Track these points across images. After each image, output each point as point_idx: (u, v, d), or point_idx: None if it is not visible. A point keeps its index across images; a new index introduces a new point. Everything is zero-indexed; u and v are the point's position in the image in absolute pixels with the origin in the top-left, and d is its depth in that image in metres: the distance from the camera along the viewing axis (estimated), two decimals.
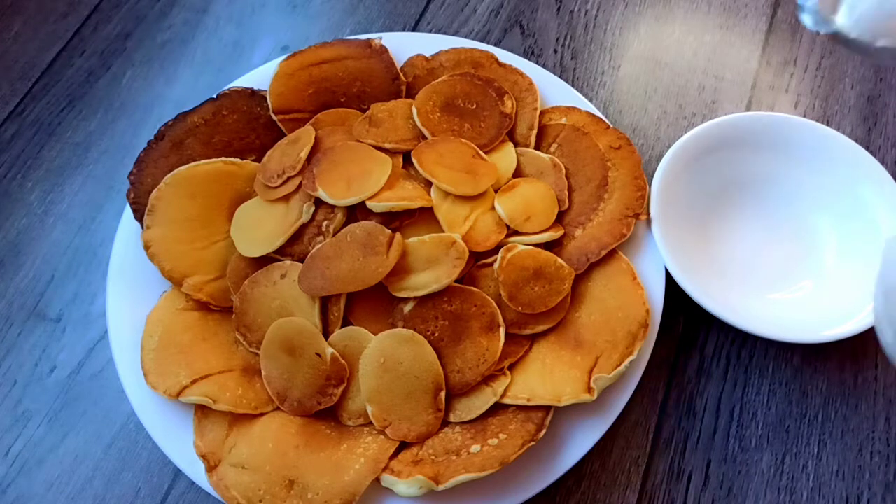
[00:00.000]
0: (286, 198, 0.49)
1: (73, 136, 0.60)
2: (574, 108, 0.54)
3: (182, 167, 0.49)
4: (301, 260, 0.47)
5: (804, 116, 0.58)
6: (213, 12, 0.66)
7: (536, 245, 0.48)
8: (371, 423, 0.44)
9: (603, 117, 0.53)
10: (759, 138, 0.52)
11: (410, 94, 0.55)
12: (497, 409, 0.44)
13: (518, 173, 0.52)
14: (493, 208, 0.49)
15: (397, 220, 0.48)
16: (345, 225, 0.48)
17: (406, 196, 0.48)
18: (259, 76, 0.55)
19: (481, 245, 0.48)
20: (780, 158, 0.52)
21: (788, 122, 0.52)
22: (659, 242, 0.48)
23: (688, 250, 0.52)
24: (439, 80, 0.54)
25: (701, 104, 0.61)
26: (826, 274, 0.51)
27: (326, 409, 0.45)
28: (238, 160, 0.51)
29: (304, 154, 0.49)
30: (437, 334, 0.45)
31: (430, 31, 0.64)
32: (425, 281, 0.45)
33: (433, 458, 0.42)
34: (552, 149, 0.53)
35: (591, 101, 0.60)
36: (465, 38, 0.60)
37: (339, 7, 0.66)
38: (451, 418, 0.44)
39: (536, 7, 0.66)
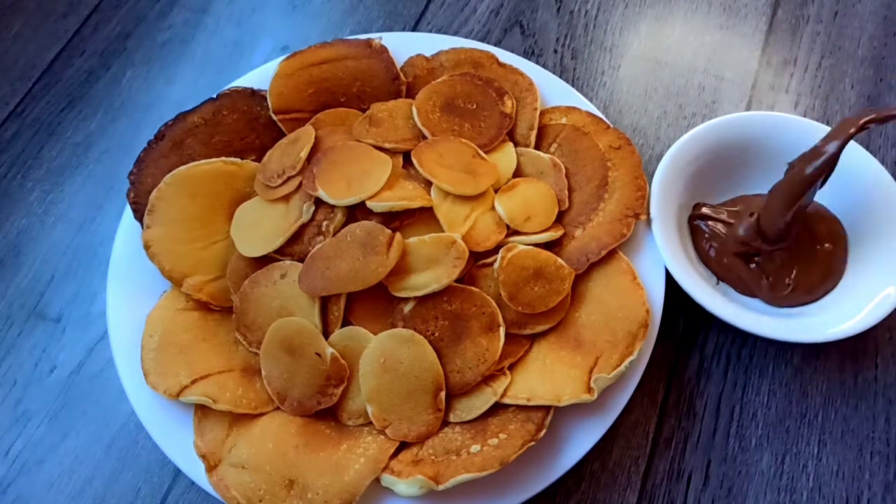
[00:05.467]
0: (286, 198, 0.49)
1: (73, 136, 0.60)
2: (574, 108, 0.54)
3: (182, 167, 0.49)
4: (301, 260, 0.47)
5: (804, 116, 0.58)
6: (213, 12, 0.66)
7: (536, 245, 0.48)
8: (371, 423, 0.44)
9: (603, 117, 0.53)
10: (759, 138, 0.52)
11: (410, 94, 0.55)
12: (497, 409, 0.44)
13: (518, 173, 0.52)
14: (493, 208, 0.49)
15: (397, 220, 0.48)
16: (345, 225, 0.48)
17: (406, 196, 0.48)
18: (259, 76, 0.55)
19: (481, 245, 0.48)
20: (780, 158, 0.52)
21: (788, 122, 0.52)
22: (659, 242, 0.48)
23: (688, 250, 0.52)
24: (439, 80, 0.54)
25: (701, 104, 0.61)
26: None
27: (326, 409, 0.45)
28: (238, 160, 0.51)
29: (304, 154, 0.49)
30: (437, 334, 0.45)
31: (430, 31, 0.64)
32: (425, 281, 0.45)
33: (433, 458, 0.42)
34: (552, 149, 0.53)
35: (591, 101, 0.60)
36: (465, 38, 0.60)
37: (339, 7, 0.66)
38: (451, 418, 0.44)
39: (536, 7, 0.66)
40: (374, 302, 0.47)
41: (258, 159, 0.52)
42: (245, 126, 0.53)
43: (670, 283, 0.48)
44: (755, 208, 0.51)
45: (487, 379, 0.45)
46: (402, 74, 0.55)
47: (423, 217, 0.49)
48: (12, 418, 0.50)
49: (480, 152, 0.51)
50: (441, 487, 0.40)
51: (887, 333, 0.51)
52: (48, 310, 0.53)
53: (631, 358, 0.44)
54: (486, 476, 0.40)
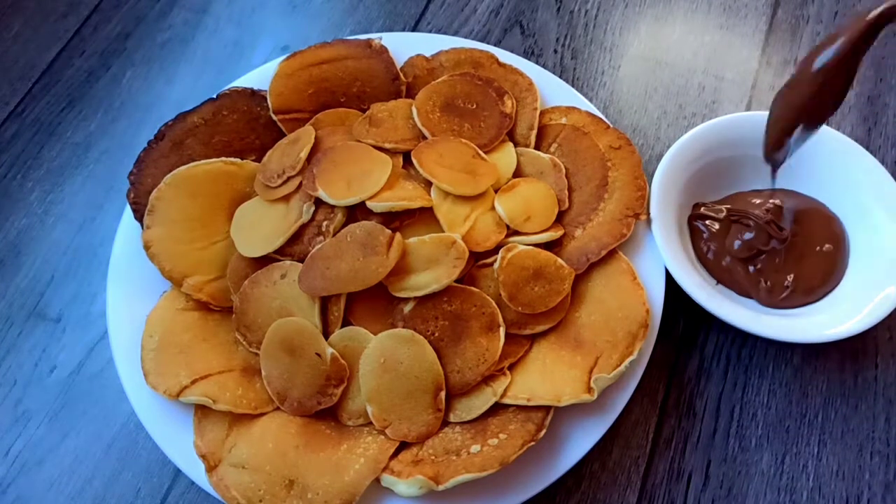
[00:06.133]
0: (286, 198, 0.49)
1: (73, 136, 0.60)
2: (574, 108, 0.54)
3: (182, 167, 0.49)
4: (301, 260, 0.47)
5: None
6: (213, 12, 0.66)
7: (536, 245, 0.48)
8: (371, 423, 0.44)
9: (603, 117, 0.53)
10: (759, 138, 0.52)
11: (410, 94, 0.55)
12: (497, 409, 0.44)
13: (518, 173, 0.52)
14: (493, 208, 0.49)
15: (397, 220, 0.48)
16: (345, 225, 0.48)
17: (406, 196, 0.48)
18: (259, 76, 0.55)
19: (481, 245, 0.48)
20: None
21: None
22: (659, 242, 0.48)
23: (688, 250, 0.52)
24: (439, 80, 0.54)
25: (701, 104, 0.61)
26: None
27: (326, 409, 0.45)
28: (238, 160, 0.51)
29: (304, 154, 0.49)
30: (437, 334, 0.45)
31: (430, 31, 0.64)
32: (425, 281, 0.45)
33: (433, 458, 0.42)
34: (552, 149, 0.53)
35: (591, 101, 0.60)
36: (465, 38, 0.60)
37: (339, 7, 0.66)
38: (451, 418, 0.44)
39: (536, 7, 0.66)
40: (374, 302, 0.47)
41: (258, 159, 0.52)
42: (245, 126, 0.53)
43: (670, 283, 0.48)
44: (752, 207, 0.51)
45: (487, 379, 0.45)
46: (402, 74, 0.55)
47: (423, 217, 0.49)
48: (12, 418, 0.50)
49: (480, 152, 0.51)
50: (441, 487, 0.40)
51: (887, 333, 0.51)
52: (48, 310, 0.53)
53: (631, 358, 0.44)
54: (486, 476, 0.40)
